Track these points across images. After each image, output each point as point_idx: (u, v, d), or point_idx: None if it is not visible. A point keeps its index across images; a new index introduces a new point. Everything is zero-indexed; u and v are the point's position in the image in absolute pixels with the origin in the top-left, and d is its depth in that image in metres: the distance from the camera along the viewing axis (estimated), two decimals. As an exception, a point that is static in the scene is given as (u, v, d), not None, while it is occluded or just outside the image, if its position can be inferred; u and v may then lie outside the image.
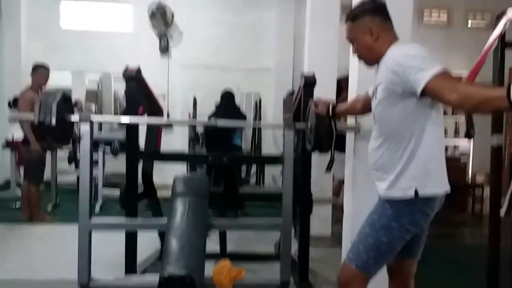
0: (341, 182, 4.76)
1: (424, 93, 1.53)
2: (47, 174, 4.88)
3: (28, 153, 4.40)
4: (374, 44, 1.75)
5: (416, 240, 1.78)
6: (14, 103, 5.48)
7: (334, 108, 2.23)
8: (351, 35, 1.84)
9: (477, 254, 2.99)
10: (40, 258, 3.36)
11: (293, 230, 2.63)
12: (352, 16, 1.82)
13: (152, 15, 7.01)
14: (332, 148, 2.31)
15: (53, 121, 2.11)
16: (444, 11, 7.56)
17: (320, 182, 3.80)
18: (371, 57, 1.80)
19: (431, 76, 1.49)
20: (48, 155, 4.87)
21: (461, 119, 6.71)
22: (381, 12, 1.78)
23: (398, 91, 1.62)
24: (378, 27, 1.75)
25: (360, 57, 1.86)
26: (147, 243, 3.14)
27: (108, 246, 2.83)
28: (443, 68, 1.52)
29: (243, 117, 5.03)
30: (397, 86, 1.62)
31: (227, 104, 4.77)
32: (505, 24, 2.45)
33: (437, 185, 1.70)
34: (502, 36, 2.51)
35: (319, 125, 2.26)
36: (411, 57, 1.58)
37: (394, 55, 1.66)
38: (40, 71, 4.45)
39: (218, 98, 5.18)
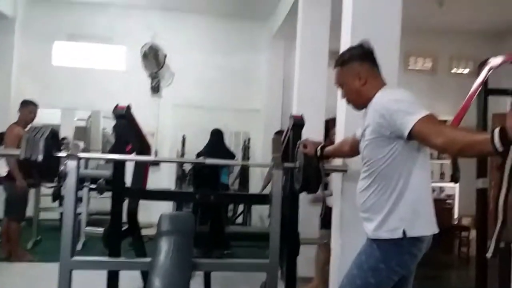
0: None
1: (411, 136, 1.56)
2: (29, 211, 4.76)
3: (11, 189, 4.31)
4: (362, 89, 1.80)
5: (403, 282, 1.76)
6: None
7: (322, 149, 2.26)
8: (340, 79, 1.89)
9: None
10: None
11: (279, 271, 2.58)
12: (341, 61, 1.87)
13: (145, 56, 7.14)
14: (323, 191, 2.33)
15: (40, 158, 2.08)
16: (429, 58, 7.83)
17: (307, 222, 3.76)
18: (359, 101, 1.84)
19: (417, 119, 1.53)
20: (31, 191, 4.78)
21: (447, 162, 6.81)
22: (369, 58, 1.83)
23: (386, 134, 1.66)
24: (366, 72, 1.80)
25: (349, 101, 1.91)
26: (130, 282, 3.05)
27: (89, 285, 2.73)
28: (429, 112, 1.56)
29: (231, 155, 5.04)
30: (384, 129, 1.65)
31: (216, 142, 4.79)
32: (488, 72, 2.55)
33: (425, 226, 1.71)
34: (485, 83, 2.60)
35: (308, 166, 2.28)
36: (398, 102, 1.63)
37: (381, 99, 1.70)
38: (29, 107, 4.45)
39: (207, 137, 5.20)
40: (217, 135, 4.94)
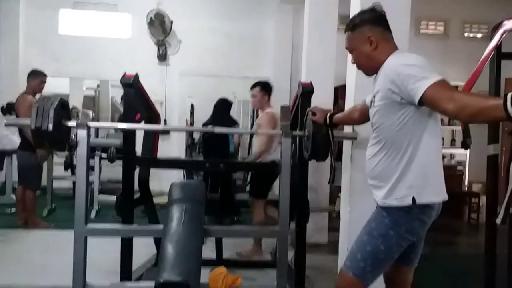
0: (337, 190, 4.77)
1: (422, 102, 1.54)
2: (43, 180, 4.86)
3: (25, 158, 4.37)
4: (373, 54, 1.76)
5: (413, 248, 1.78)
6: (7, 109, 5.48)
7: (331, 116, 2.24)
8: (350, 44, 1.85)
9: (474, 262, 2.99)
10: (35, 264, 3.34)
11: (289, 237, 2.63)
12: (351, 26, 1.83)
13: (151, 23, 7.04)
14: (332, 159, 2.32)
15: (50, 127, 2.10)
16: (441, 22, 7.62)
17: (316, 190, 3.80)
18: (370, 66, 1.81)
19: (428, 85, 1.50)
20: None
21: (458, 128, 6.75)
22: (381, 22, 1.79)
23: (396, 100, 1.63)
24: (377, 36, 1.76)
25: (359, 66, 1.88)
26: (143, 249, 3.13)
27: (104, 252, 2.81)
28: (441, 77, 1.52)
29: (234, 122, 5.01)
30: (395, 95, 1.62)
31: (219, 113, 4.76)
32: (501, 35, 2.48)
33: (435, 193, 1.70)
34: (498, 47, 2.54)
35: (317, 134, 2.27)
36: (410, 66, 1.59)
37: (392, 64, 1.67)
38: (38, 77, 4.45)
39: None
40: (220, 106, 4.90)
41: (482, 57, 2.52)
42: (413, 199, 1.65)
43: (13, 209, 5.10)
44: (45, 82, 4.50)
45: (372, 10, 1.81)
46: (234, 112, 6.95)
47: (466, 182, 7.05)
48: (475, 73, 2.52)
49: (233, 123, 4.86)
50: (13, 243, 4.02)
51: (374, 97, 1.76)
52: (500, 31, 2.49)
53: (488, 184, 2.66)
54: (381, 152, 1.73)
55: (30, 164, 4.37)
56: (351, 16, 2.64)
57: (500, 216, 2.37)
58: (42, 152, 4.23)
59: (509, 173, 2.45)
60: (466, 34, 7.64)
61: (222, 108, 4.76)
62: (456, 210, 5.60)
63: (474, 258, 3.27)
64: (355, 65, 1.90)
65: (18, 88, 6.69)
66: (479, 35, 7.57)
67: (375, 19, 1.79)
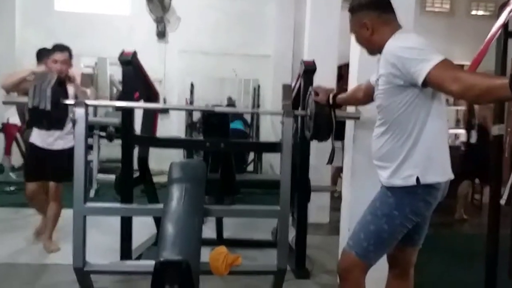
0: (339, 170, 4.76)
1: (426, 84, 1.51)
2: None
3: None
4: (371, 38, 1.74)
5: (417, 228, 1.76)
6: None
7: (335, 97, 2.20)
8: (350, 27, 1.84)
9: (476, 243, 2.99)
10: (35, 242, 3.33)
11: (290, 218, 2.62)
12: (350, 9, 1.82)
13: (149, 0, 6.91)
14: (332, 140, 2.29)
15: (48, 106, 2.07)
16: (447, 0, 7.49)
17: (318, 170, 3.78)
18: (371, 49, 1.80)
19: (431, 67, 1.47)
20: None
21: (462, 108, 6.68)
22: (378, 6, 1.75)
23: (399, 83, 1.61)
24: (373, 21, 1.73)
25: (362, 47, 1.86)
26: (143, 228, 3.13)
27: (103, 231, 2.81)
28: (443, 58, 1.49)
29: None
30: (397, 78, 1.60)
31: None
32: (509, 14, 2.41)
33: (439, 173, 1.68)
34: (505, 26, 2.48)
35: (319, 114, 2.23)
36: (410, 49, 1.56)
37: (391, 48, 1.63)
38: (50, 56, 4.39)
39: (215, 84, 5.14)
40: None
41: (489, 36, 2.46)
42: (417, 179, 1.63)
43: (12, 188, 5.10)
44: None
45: None
46: (234, 91, 6.92)
47: (470, 162, 7.02)
48: (481, 52, 2.47)
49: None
50: (13, 221, 4.02)
51: (378, 80, 1.73)
52: (508, 9, 2.42)
53: (492, 164, 2.63)
54: (387, 134, 1.71)
55: None
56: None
57: (505, 196, 2.35)
58: None
59: (513, 154, 2.41)
60: (473, 12, 7.54)
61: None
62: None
63: (476, 238, 3.27)
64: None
65: (14, 67, 6.64)
66: (486, 13, 7.46)
67: (372, 3, 1.75)
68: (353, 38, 1.89)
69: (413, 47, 1.56)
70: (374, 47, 1.75)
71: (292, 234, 2.70)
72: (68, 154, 2.82)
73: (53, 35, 6.68)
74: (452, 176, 1.72)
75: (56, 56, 3.04)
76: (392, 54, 1.60)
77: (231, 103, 6.54)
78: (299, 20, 6.89)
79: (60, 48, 3.09)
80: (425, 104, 1.63)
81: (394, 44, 1.62)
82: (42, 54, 4.30)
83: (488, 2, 7.41)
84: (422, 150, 1.64)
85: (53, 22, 6.87)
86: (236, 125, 5.32)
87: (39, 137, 3.12)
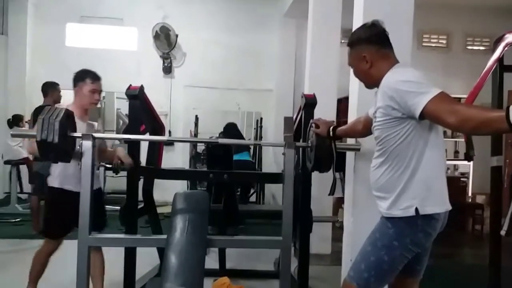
0: (340, 200, 4.77)
1: (423, 116, 1.55)
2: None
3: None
4: (369, 71, 1.79)
5: (418, 259, 1.77)
6: (14, 121, 5.56)
7: (335, 129, 2.25)
8: (349, 60, 1.89)
9: (478, 274, 2.97)
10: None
11: (292, 248, 2.63)
12: (349, 43, 1.87)
13: (156, 37, 7.13)
14: (334, 171, 2.32)
15: (56, 139, 2.12)
16: (444, 35, 7.68)
17: (320, 200, 3.80)
18: (368, 82, 1.85)
19: (428, 99, 1.50)
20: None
21: (461, 140, 6.74)
22: (377, 40, 1.79)
23: (397, 115, 1.64)
24: (372, 55, 1.77)
25: (360, 80, 1.91)
26: (146, 259, 3.13)
27: (107, 262, 2.81)
28: (440, 91, 1.52)
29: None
30: (395, 111, 1.63)
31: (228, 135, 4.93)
32: (504, 48, 2.50)
33: (438, 203, 1.70)
34: (500, 60, 2.55)
35: (320, 146, 2.28)
36: (407, 82, 1.60)
37: (389, 81, 1.67)
38: (57, 89, 4.56)
39: (220, 117, 5.25)
40: (229, 130, 5.06)
41: (485, 69, 2.54)
42: (416, 209, 1.65)
43: (18, 219, 5.12)
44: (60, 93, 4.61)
45: (371, 26, 1.82)
46: (238, 123, 7.00)
47: (470, 194, 7.03)
48: (478, 86, 2.54)
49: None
50: (20, 252, 4.03)
51: (375, 112, 1.77)
52: (502, 44, 2.51)
53: (491, 196, 2.65)
54: (385, 164, 1.74)
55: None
56: (353, 30, 2.69)
57: (505, 227, 2.36)
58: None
59: (512, 185, 2.44)
60: (468, 47, 7.69)
61: (231, 127, 4.91)
62: (460, 222, 5.58)
63: (478, 269, 3.24)
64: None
65: (24, 101, 6.79)
66: (481, 48, 7.62)
67: (371, 37, 1.80)
68: (351, 71, 1.96)
69: (410, 81, 1.60)
70: (371, 80, 1.80)
71: (294, 264, 2.69)
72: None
73: (62, 69, 6.87)
74: (449, 207, 1.73)
75: (95, 85, 2.85)
76: (390, 87, 1.64)
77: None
78: (299, 56, 7.09)
79: (97, 77, 2.90)
80: (423, 135, 1.66)
81: (392, 78, 1.67)
82: (48, 87, 4.47)
83: (483, 37, 7.59)
84: (420, 181, 1.66)
85: (63, 58, 7.05)
86: (243, 156, 5.38)
87: (72, 178, 2.56)
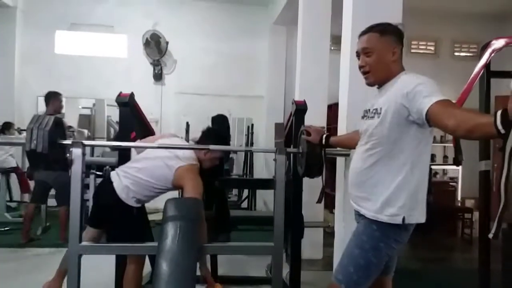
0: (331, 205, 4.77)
1: (428, 116, 1.58)
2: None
3: (67, 177, 4.35)
4: (391, 64, 1.81)
5: (392, 257, 1.87)
6: (3, 128, 5.51)
7: (328, 137, 2.27)
8: (373, 46, 1.82)
9: (468, 278, 2.99)
10: (30, 282, 3.29)
11: (284, 254, 2.63)
12: (381, 29, 1.84)
13: (146, 44, 7.12)
14: (323, 179, 2.35)
15: (45, 148, 2.10)
16: (432, 42, 7.78)
17: (311, 206, 3.81)
18: (381, 75, 1.83)
19: (434, 101, 1.56)
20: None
21: (450, 145, 6.82)
22: (402, 43, 1.86)
23: (403, 115, 1.68)
24: (399, 50, 1.83)
25: (369, 71, 1.86)
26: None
27: (98, 270, 2.79)
28: (446, 97, 1.59)
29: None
30: (405, 109, 1.67)
31: (217, 124, 4.81)
32: (490, 54, 2.54)
33: (421, 214, 1.77)
34: (487, 66, 2.60)
35: (310, 154, 2.30)
36: (422, 85, 1.65)
37: (408, 81, 1.72)
38: (58, 98, 4.56)
39: (210, 123, 5.21)
40: (223, 123, 4.96)
41: (472, 75, 2.58)
42: (403, 218, 1.71)
43: (7, 228, 5.06)
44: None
45: (398, 27, 1.87)
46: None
47: (459, 198, 7.09)
48: (465, 91, 2.57)
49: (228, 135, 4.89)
50: (10, 261, 3.98)
51: (376, 110, 1.78)
52: (489, 50, 2.56)
53: (480, 200, 2.68)
54: (376, 166, 1.76)
55: (64, 182, 4.36)
56: (343, 37, 2.72)
57: (493, 230, 2.38)
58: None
59: (500, 189, 2.48)
60: (456, 53, 7.80)
61: (221, 120, 4.81)
62: (449, 226, 5.60)
63: (468, 273, 3.27)
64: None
65: (13, 108, 6.73)
66: (469, 54, 7.74)
67: (401, 36, 1.86)
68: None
69: (424, 83, 1.66)
70: (385, 74, 1.82)
71: (286, 270, 2.70)
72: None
73: (51, 77, 6.86)
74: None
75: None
76: (408, 86, 1.67)
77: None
78: (290, 62, 7.16)
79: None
80: (420, 143, 1.71)
81: (411, 79, 1.71)
82: (49, 97, 4.47)
83: (470, 44, 7.71)
84: (411, 190, 1.72)
85: (52, 65, 7.02)
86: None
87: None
